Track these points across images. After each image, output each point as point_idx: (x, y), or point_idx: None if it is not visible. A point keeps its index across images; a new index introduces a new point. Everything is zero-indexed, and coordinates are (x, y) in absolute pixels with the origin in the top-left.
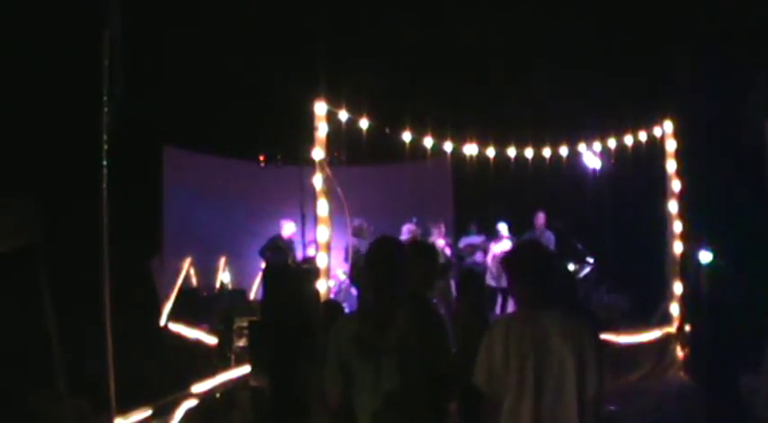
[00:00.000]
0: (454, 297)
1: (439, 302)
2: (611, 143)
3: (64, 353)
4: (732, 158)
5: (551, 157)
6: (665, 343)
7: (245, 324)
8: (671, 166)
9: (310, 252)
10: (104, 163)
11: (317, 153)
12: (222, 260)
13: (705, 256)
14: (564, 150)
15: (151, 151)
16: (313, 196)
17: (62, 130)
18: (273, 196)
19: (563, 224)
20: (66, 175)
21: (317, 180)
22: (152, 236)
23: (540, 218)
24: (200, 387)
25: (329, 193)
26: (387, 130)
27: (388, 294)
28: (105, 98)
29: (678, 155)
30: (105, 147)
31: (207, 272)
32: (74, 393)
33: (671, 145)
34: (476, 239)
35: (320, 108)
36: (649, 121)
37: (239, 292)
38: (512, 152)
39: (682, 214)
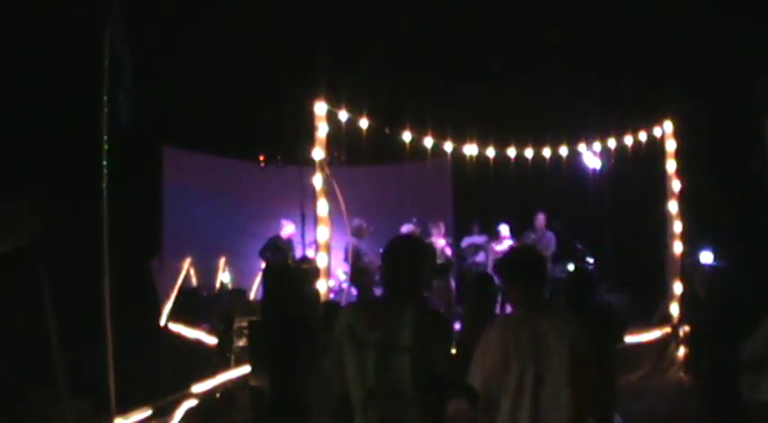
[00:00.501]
0: (454, 297)
1: (438, 302)
2: (611, 143)
3: (64, 353)
4: (732, 158)
5: (551, 157)
6: (665, 343)
7: (245, 324)
8: (671, 166)
9: (309, 253)
10: (104, 163)
11: (317, 153)
12: (222, 260)
13: (705, 257)
14: (564, 150)
15: (151, 151)
16: (313, 196)
17: (62, 129)
18: (273, 196)
19: (563, 224)
20: (67, 175)
21: (317, 180)
22: (152, 236)
23: (541, 218)
24: (200, 387)
25: (329, 193)
26: (387, 130)
27: (391, 291)
28: (105, 98)
29: (678, 155)
30: (105, 147)
31: (207, 272)
32: (74, 393)
33: (671, 145)
34: (478, 239)
35: (320, 108)
36: (649, 121)
37: (239, 292)
38: (512, 152)
39: (682, 214)
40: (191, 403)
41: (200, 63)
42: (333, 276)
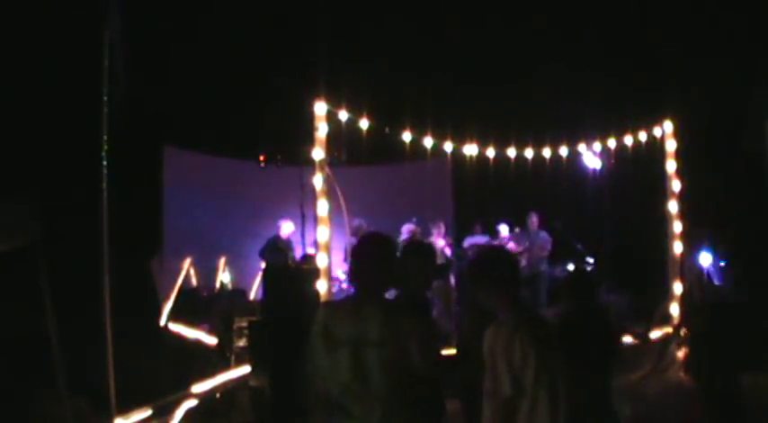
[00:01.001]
0: (455, 297)
1: (438, 302)
2: (611, 143)
3: (64, 353)
4: (732, 159)
5: (551, 157)
6: (665, 343)
7: (245, 324)
8: (671, 166)
9: (310, 252)
10: (104, 163)
11: (317, 153)
12: (222, 260)
13: (705, 257)
14: (564, 150)
15: (151, 151)
16: (313, 196)
17: (62, 129)
18: (273, 196)
19: (563, 224)
20: (67, 175)
21: (317, 180)
22: (152, 236)
23: (534, 219)
24: (200, 387)
25: (329, 193)
26: (387, 130)
27: (361, 289)
28: (105, 98)
29: (678, 155)
30: (105, 147)
31: (207, 272)
32: (74, 393)
33: (671, 145)
34: (480, 239)
35: (320, 108)
36: (649, 121)
37: (239, 292)
38: (512, 152)
39: (682, 214)
40: (191, 403)
41: (201, 63)
42: (333, 276)
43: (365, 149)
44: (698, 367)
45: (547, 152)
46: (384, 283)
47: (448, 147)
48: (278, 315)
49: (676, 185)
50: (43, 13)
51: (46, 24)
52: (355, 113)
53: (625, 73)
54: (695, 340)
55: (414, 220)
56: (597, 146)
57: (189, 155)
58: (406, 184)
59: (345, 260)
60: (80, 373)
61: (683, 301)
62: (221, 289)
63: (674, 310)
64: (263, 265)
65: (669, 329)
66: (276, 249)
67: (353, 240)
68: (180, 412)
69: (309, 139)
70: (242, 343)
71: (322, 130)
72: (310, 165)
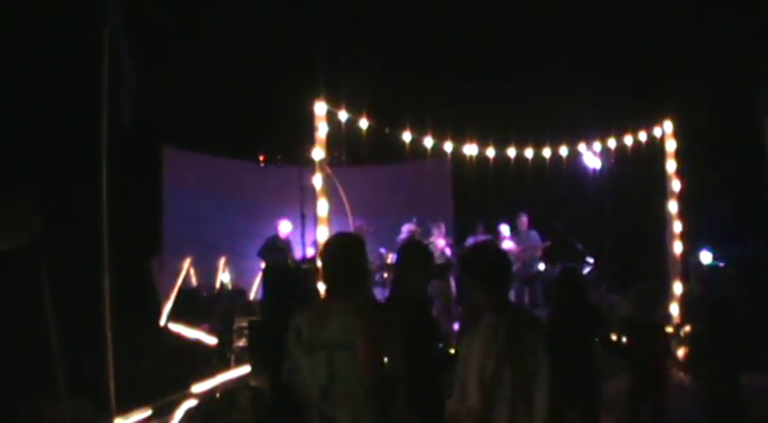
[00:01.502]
0: (455, 297)
1: (438, 302)
2: (611, 143)
3: (64, 353)
4: (732, 158)
5: (551, 157)
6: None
7: (245, 324)
8: (671, 166)
9: (309, 252)
10: (104, 163)
11: (317, 153)
12: (222, 260)
13: (705, 257)
14: (564, 150)
15: (151, 151)
16: (313, 196)
17: (62, 129)
18: (273, 196)
19: (563, 224)
20: (67, 175)
21: (317, 180)
22: (152, 236)
23: (523, 219)
24: (200, 387)
25: (329, 193)
26: (387, 130)
27: (333, 291)
28: (105, 98)
29: (678, 155)
30: (105, 147)
31: (207, 272)
32: (74, 393)
33: (671, 145)
34: (482, 239)
35: (320, 108)
36: (649, 121)
37: (239, 292)
38: (512, 152)
39: (682, 214)
40: (191, 403)
41: (201, 63)
42: None
43: (365, 149)
44: (698, 367)
45: (547, 152)
46: (354, 284)
47: (448, 147)
48: (278, 315)
49: (676, 185)
50: (43, 13)
51: (46, 24)
52: (355, 113)
53: (625, 73)
54: (695, 340)
55: (413, 220)
56: (597, 146)
57: (189, 155)
58: (406, 184)
59: None
60: (80, 373)
61: (684, 300)
62: (221, 289)
63: (675, 309)
64: (262, 265)
65: (670, 329)
66: (276, 249)
67: None
68: (180, 412)
69: (309, 139)
70: (242, 343)
71: (322, 130)
72: (310, 165)
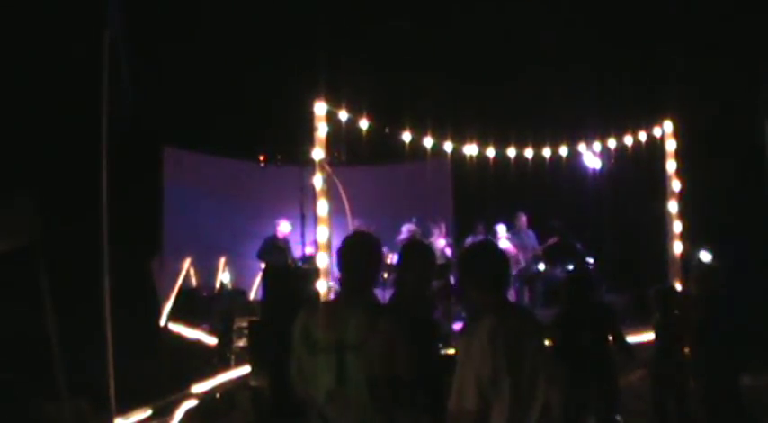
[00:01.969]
0: (455, 297)
1: (438, 302)
2: (611, 143)
3: (64, 353)
4: (732, 158)
5: (551, 157)
6: None
7: (245, 324)
8: (671, 166)
9: (308, 250)
10: (104, 163)
11: (317, 153)
12: (222, 260)
13: (705, 257)
14: (564, 150)
15: (151, 151)
16: (313, 196)
17: (62, 129)
18: (273, 196)
19: (563, 224)
20: (67, 175)
21: (317, 180)
22: (152, 236)
23: (523, 219)
24: (200, 387)
25: (329, 193)
26: (387, 130)
27: (348, 291)
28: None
29: (678, 155)
30: (105, 146)
31: (207, 272)
32: (74, 393)
33: (671, 145)
34: (480, 239)
35: (320, 108)
36: (649, 121)
37: (239, 292)
38: (512, 152)
39: (682, 214)
40: (191, 403)
41: (201, 63)
42: (333, 276)
43: (365, 149)
44: (698, 367)
45: (547, 152)
46: (368, 284)
47: (448, 147)
48: (278, 315)
49: (676, 185)
50: (43, 13)
51: (46, 24)
52: (355, 113)
53: (625, 73)
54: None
55: (413, 220)
56: (597, 146)
57: (189, 155)
58: (406, 184)
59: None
60: (80, 373)
61: (683, 300)
62: (221, 289)
63: None
64: (262, 265)
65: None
66: (275, 249)
67: None
68: (180, 412)
69: (309, 139)
70: (242, 343)
71: (322, 130)
72: (310, 165)
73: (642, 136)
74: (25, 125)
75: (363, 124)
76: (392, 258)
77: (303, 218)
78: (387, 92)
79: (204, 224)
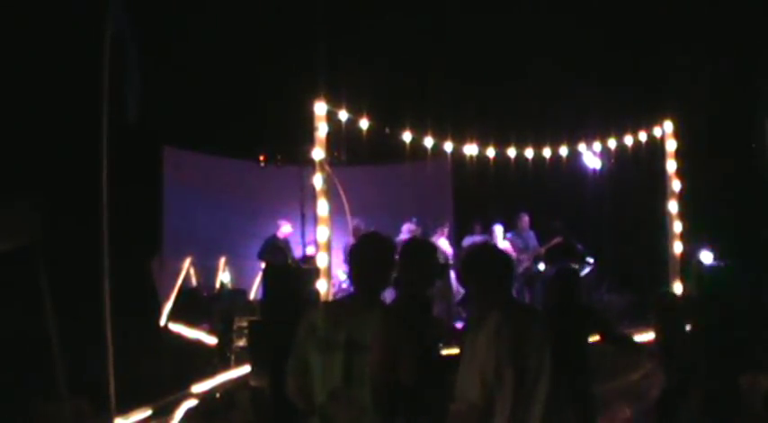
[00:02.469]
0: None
1: (439, 302)
2: (611, 143)
3: (64, 353)
4: (732, 158)
5: (551, 157)
6: None
7: (245, 324)
8: (671, 166)
9: (309, 250)
10: (104, 163)
11: (317, 153)
12: (222, 260)
13: (705, 257)
14: (564, 150)
15: (151, 151)
16: (313, 196)
17: (62, 129)
18: (273, 196)
19: (563, 224)
20: (67, 175)
21: (317, 180)
22: (152, 236)
23: (525, 219)
24: (200, 387)
25: (329, 193)
26: (387, 130)
27: (359, 291)
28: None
29: (678, 155)
30: (105, 146)
31: (207, 272)
32: (74, 393)
33: (671, 145)
34: (479, 239)
35: (320, 108)
36: (649, 121)
37: (239, 292)
38: (512, 152)
39: (682, 214)
40: (191, 403)
41: (201, 63)
42: (333, 276)
43: (365, 149)
44: (698, 367)
45: (547, 152)
46: (382, 285)
47: (448, 147)
48: (278, 315)
49: (676, 185)
50: (44, 13)
51: (47, 24)
52: (355, 113)
53: (625, 73)
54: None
55: (414, 220)
56: (597, 146)
57: (189, 155)
58: (406, 184)
59: (346, 260)
60: (80, 373)
61: (683, 300)
62: (221, 289)
63: None
64: (263, 265)
65: None
66: (275, 249)
67: (351, 241)
68: (180, 412)
69: (309, 139)
70: (242, 343)
71: (322, 130)
72: (310, 165)
73: (642, 136)
74: (26, 125)
75: (363, 124)
76: None
77: (303, 218)
78: (387, 92)
79: (204, 224)
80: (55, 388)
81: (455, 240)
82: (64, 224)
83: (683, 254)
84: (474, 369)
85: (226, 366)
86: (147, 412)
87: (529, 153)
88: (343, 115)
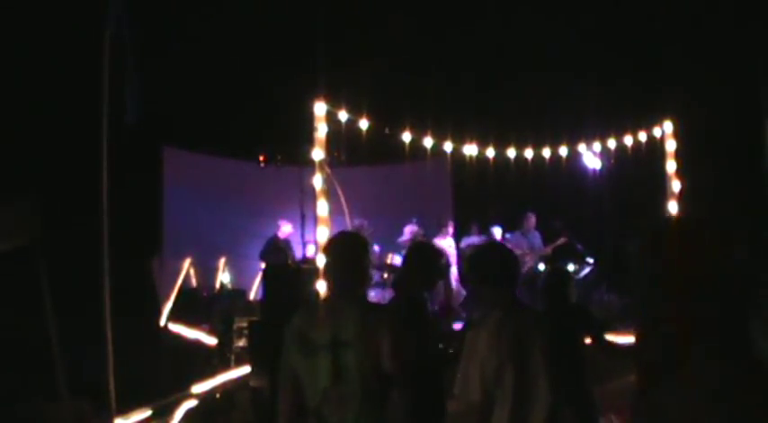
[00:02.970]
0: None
1: (438, 302)
2: (611, 143)
3: (64, 353)
4: (732, 158)
5: (551, 157)
6: None
7: (245, 324)
8: (671, 166)
9: (310, 251)
10: (104, 163)
11: (317, 153)
12: (222, 260)
13: None
14: (564, 150)
15: (151, 151)
16: (313, 196)
17: (63, 130)
18: (273, 196)
19: (563, 224)
20: (67, 175)
21: (317, 180)
22: (152, 236)
23: (531, 219)
24: (200, 387)
25: (329, 193)
26: (387, 130)
27: (336, 290)
28: (105, 99)
29: (678, 155)
30: (105, 147)
31: (207, 272)
32: (74, 393)
33: (671, 145)
34: (477, 240)
35: (320, 108)
36: (649, 122)
37: (239, 292)
38: (512, 152)
39: (682, 214)
40: (191, 403)
41: (201, 63)
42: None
43: (365, 149)
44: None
45: (547, 152)
46: (358, 282)
47: (448, 147)
48: (278, 315)
49: (676, 185)
50: (44, 13)
51: (47, 24)
52: (355, 113)
53: (625, 73)
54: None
55: (414, 220)
56: (597, 146)
57: (189, 155)
58: (406, 184)
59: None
60: (80, 373)
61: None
62: (221, 289)
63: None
64: (263, 265)
65: None
66: (276, 249)
67: None
68: (180, 412)
69: (309, 139)
70: (242, 343)
71: (322, 130)
72: (310, 165)
73: (642, 136)
74: (26, 126)
75: (363, 124)
76: (393, 259)
77: (303, 218)
78: (387, 92)
79: (204, 224)
80: (55, 388)
81: (456, 240)
82: (64, 224)
83: None
84: (474, 368)
85: (226, 367)
86: (147, 412)
87: (528, 153)
88: (342, 116)
